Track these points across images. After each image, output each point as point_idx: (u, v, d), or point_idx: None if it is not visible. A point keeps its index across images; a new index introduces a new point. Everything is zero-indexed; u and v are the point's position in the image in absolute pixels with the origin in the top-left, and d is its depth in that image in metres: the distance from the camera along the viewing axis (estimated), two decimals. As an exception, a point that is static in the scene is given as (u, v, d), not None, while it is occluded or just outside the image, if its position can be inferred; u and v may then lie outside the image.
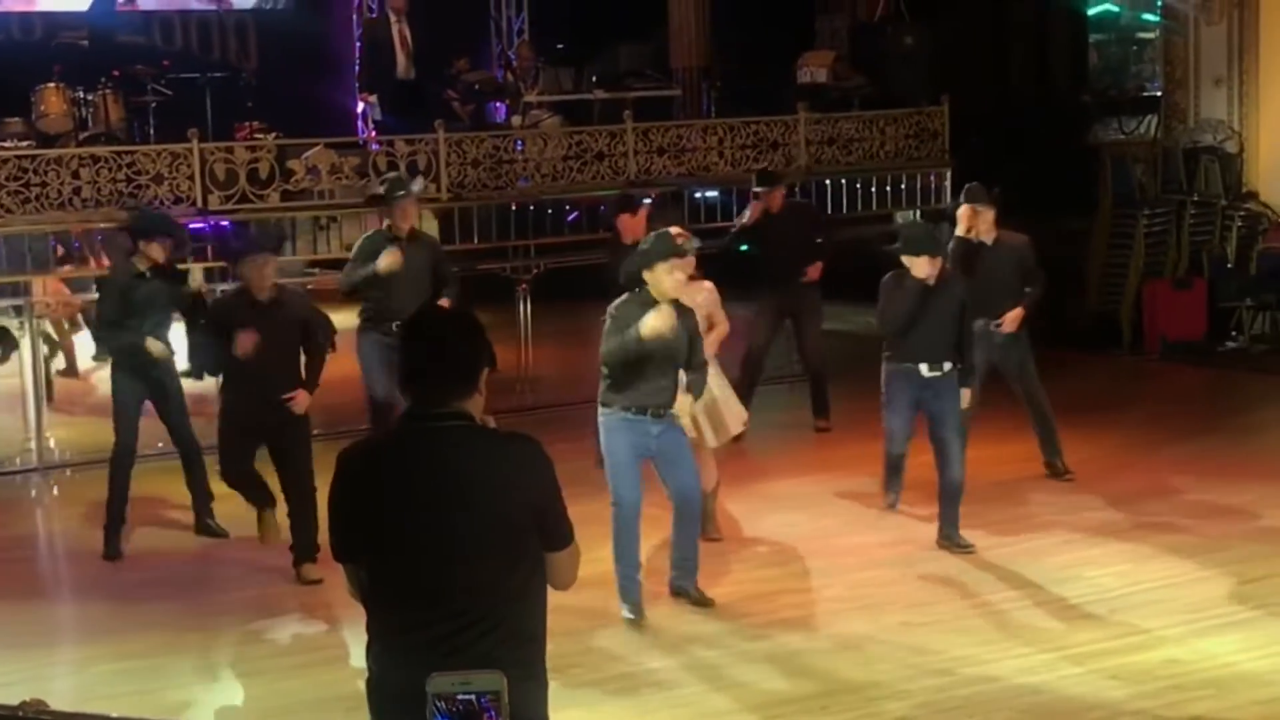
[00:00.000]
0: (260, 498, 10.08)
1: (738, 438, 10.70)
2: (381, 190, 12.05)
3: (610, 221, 12.55)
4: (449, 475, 4.59)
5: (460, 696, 2.89)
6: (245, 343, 9.61)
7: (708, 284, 10.07)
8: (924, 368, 9.94)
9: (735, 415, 10.22)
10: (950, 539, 10.07)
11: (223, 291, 11.49)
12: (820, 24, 20.30)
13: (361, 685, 4.73)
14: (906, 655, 8.34)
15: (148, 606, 9.58)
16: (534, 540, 4.64)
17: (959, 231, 11.34)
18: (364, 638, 4.71)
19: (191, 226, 13.20)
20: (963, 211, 11.39)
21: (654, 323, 8.55)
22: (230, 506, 10.50)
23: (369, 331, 11.43)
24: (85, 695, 7.99)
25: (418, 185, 12.49)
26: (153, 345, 10.47)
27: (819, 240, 13.71)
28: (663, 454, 8.93)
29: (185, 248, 12.36)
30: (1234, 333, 16.88)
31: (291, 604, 9.53)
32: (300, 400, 9.83)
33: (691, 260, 9.46)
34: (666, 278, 8.74)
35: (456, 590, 4.54)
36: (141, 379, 10.61)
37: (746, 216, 13.38)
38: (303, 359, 10.00)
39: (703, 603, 9.12)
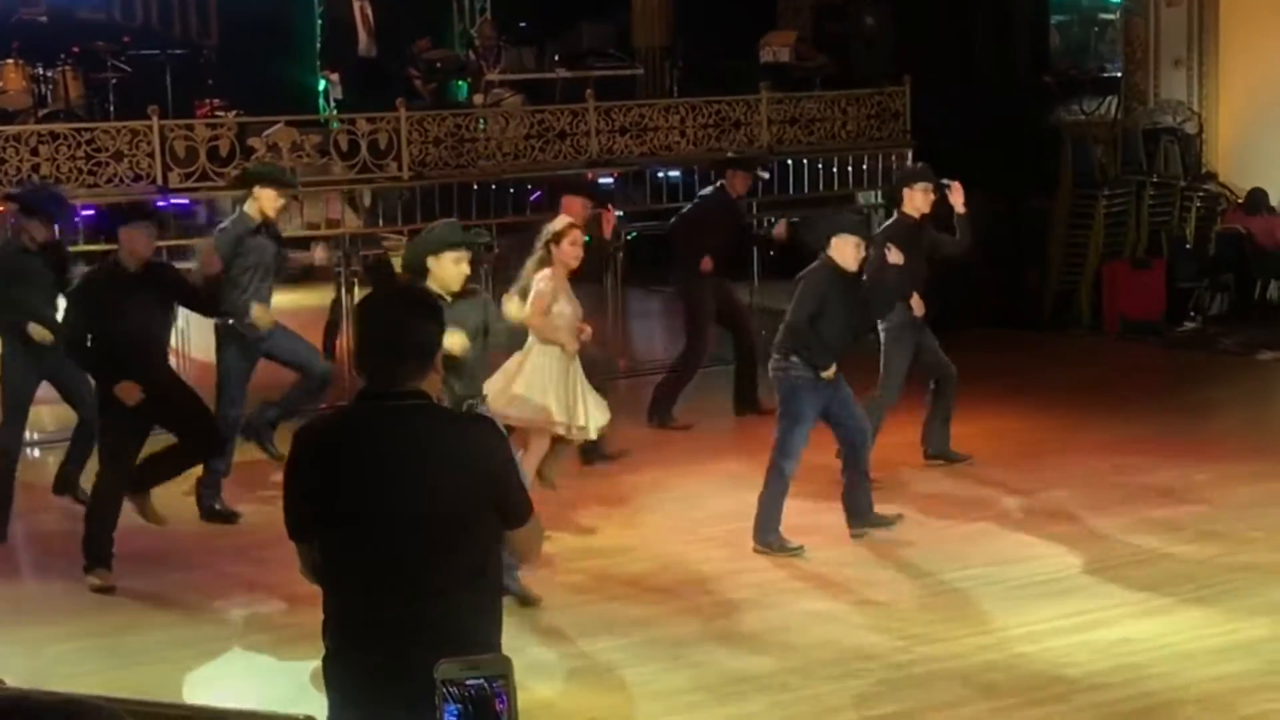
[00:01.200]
0: (103, 541, 9.51)
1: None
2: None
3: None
4: (405, 454, 4.61)
5: (469, 682, 2.89)
6: (129, 393, 9.26)
7: (546, 273, 9.82)
8: (833, 370, 9.62)
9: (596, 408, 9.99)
10: (875, 520, 10.01)
11: (89, 267, 10.70)
12: (783, 4, 20.33)
13: (319, 663, 4.75)
14: (864, 634, 8.39)
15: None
16: (489, 518, 4.66)
17: (911, 210, 11.07)
18: (319, 615, 4.73)
19: (85, 212, 13.04)
20: (920, 190, 11.11)
21: (450, 343, 8.31)
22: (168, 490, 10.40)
23: (229, 335, 10.73)
24: (43, 675, 7.97)
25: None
26: (34, 330, 10.20)
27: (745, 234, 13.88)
28: None
29: (64, 226, 11.95)
30: (1192, 313, 16.99)
31: (249, 583, 9.53)
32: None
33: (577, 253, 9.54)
34: (452, 267, 8.44)
35: (412, 569, 4.56)
36: (35, 359, 10.33)
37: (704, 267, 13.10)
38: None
39: (526, 601, 8.72)
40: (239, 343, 10.61)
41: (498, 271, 13.72)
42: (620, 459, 11.61)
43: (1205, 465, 11.42)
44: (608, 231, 12.88)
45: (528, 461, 9.80)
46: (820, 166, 16.52)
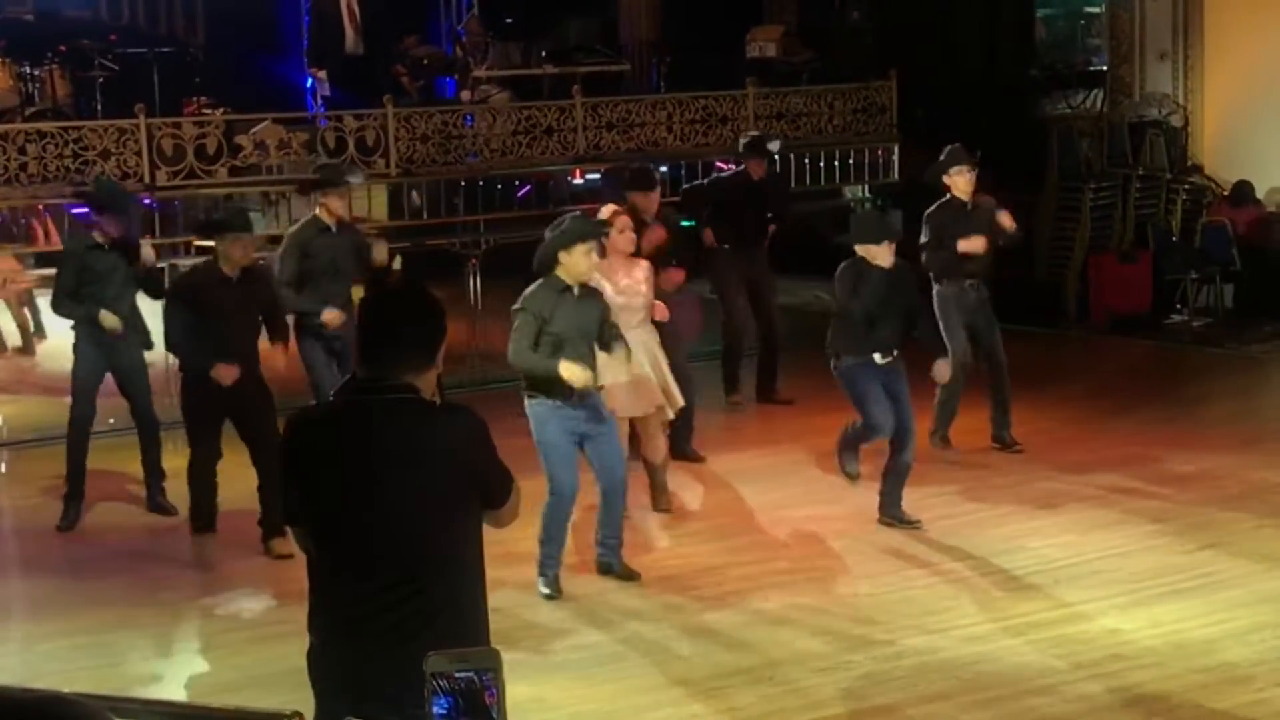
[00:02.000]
0: (205, 514, 9.94)
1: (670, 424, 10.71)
2: (317, 175, 11.48)
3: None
4: (386, 447, 4.63)
5: (459, 674, 2.90)
6: (226, 375, 9.63)
7: (644, 263, 10.08)
8: (877, 357, 9.82)
9: (672, 393, 10.19)
10: (897, 517, 10.07)
11: (190, 267, 11.14)
12: (769, -1, 20.36)
13: (305, 657, 4.77)
14: (852, 626, 8.41)
15: (98, 583, 9.58)
16: (471, 512, 4.69)
17: (959, 194, 11.33)
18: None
19: (74, 210, 13.09)
20: (960, 174, 11.33)
21: (574, 376, 8.50)
22: (183, 484, 10.45)
23: (305, 330, 10.84)
24: (35, 672, 7.99)
25: (358, 177, 12.30)
26: (106, 318, 10.35)
27: (772, 213, 13.74)
28: (590, 435, 8.88)
29: (136, 226, 12.19)
30: (1179, 305, 17.01)
31: (241, 579, 9.54)
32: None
33: (629, 239, 9.62)
34: (584, 260, 8.70)
35: (394, 562, 4.58)
36: (103, 352, 10.51)
37: (706, 239, 13.23)
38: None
39: (629, 577, 9.15)
40: (314, 339, 10.76)
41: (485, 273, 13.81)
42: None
43: (1193, 457, 11.45)
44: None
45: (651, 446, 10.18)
46: (807, 161, 16.55)
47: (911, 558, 9.53)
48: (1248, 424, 12.85)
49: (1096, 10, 20.07)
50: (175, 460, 10.60)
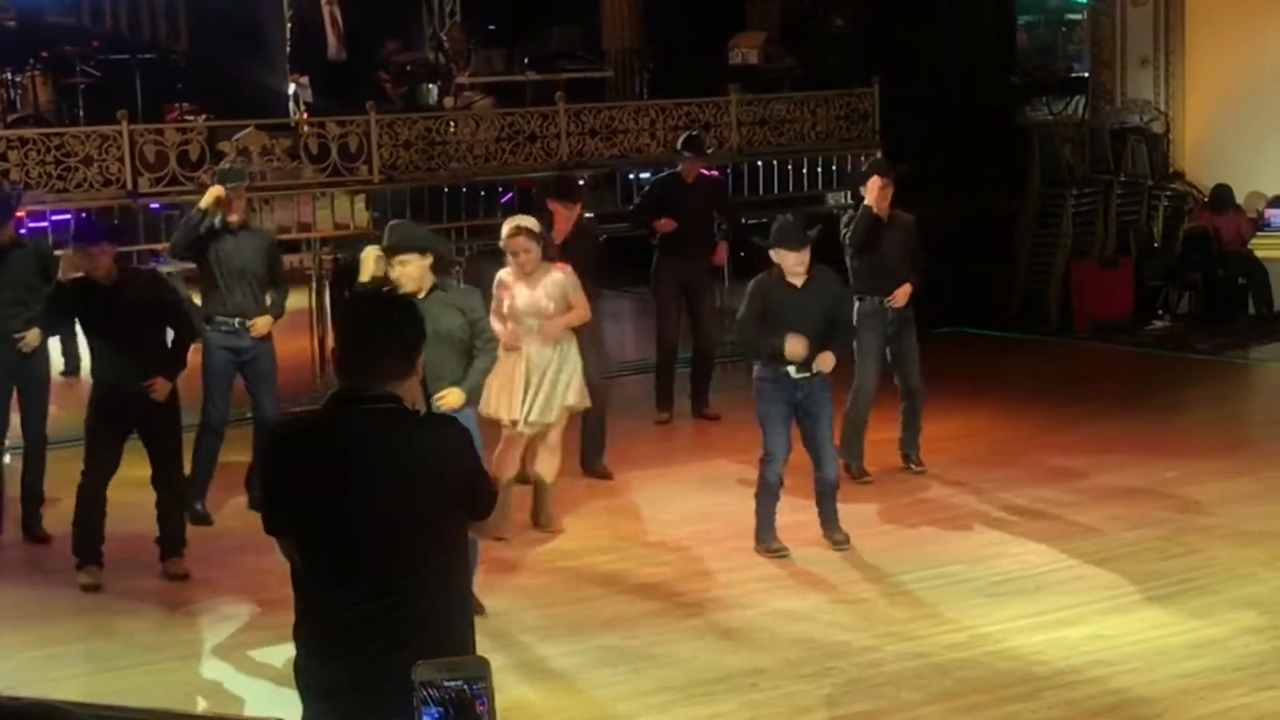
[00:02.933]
0: (90, 546, 9.58)
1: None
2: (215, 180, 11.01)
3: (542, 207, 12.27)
4: (370, 458, 4.63)
5: (448, 684, 2.90)
6: (159, 388, 9.39)
7: (561, 268, 9.99)
8: (792, 370, 9.49)
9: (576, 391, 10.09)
10: (834, 538, 9.88)
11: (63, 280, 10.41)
12: (751, 6, 20.39)
13: (288, 665, 4.78)
14: (834, 632, 8.43)
15: (77, 591, 9.54)
16: (455, 519, 4.70)
17: (871, 204, 10.98)
18: (291, 617, 4.76)
19: (55, 217, 13.00)
20: (876, 184, 10.98)
21: (451, 402, 8.30)
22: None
23: (210, 333, 10.60)
24: (16, 681, 7.96)
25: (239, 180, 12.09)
26: (31, 338, 10.18)
27: (722, 223, 13.71)
28: None
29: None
30: (1160, 311, 17.07)
31: (219, 586, 9.52)
32: (158, 388, 9.39)
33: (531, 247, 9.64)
34: (418, 272, 8.41)
35: (379, 572, 4.59)
36: (10, 360, 10.28)
37: (660, 224, 13.12)
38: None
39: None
40: (217, 345, 10.62)
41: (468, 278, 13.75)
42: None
43: (1174, 463, 11.48)
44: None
45: (541, 459, 10.02)
46: (790, 168, 16.58)
47: (891, 564, 9.54)
48: (1227, 429, 12.90)
49: (1078, 17, 20.16)
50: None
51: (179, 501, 9.70)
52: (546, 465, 10.21)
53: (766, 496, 9.77)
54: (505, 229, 9.96)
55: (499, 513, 4.95)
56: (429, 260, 8.46)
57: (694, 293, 13.26)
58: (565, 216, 11.10)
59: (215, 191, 10.46)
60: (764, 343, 9.50)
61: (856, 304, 10.71)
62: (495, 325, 9.60)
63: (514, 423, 9.86)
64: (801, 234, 9.67)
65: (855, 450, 11.21)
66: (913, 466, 11.39)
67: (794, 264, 9.53)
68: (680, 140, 13.66)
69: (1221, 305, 16.95)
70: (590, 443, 11.40)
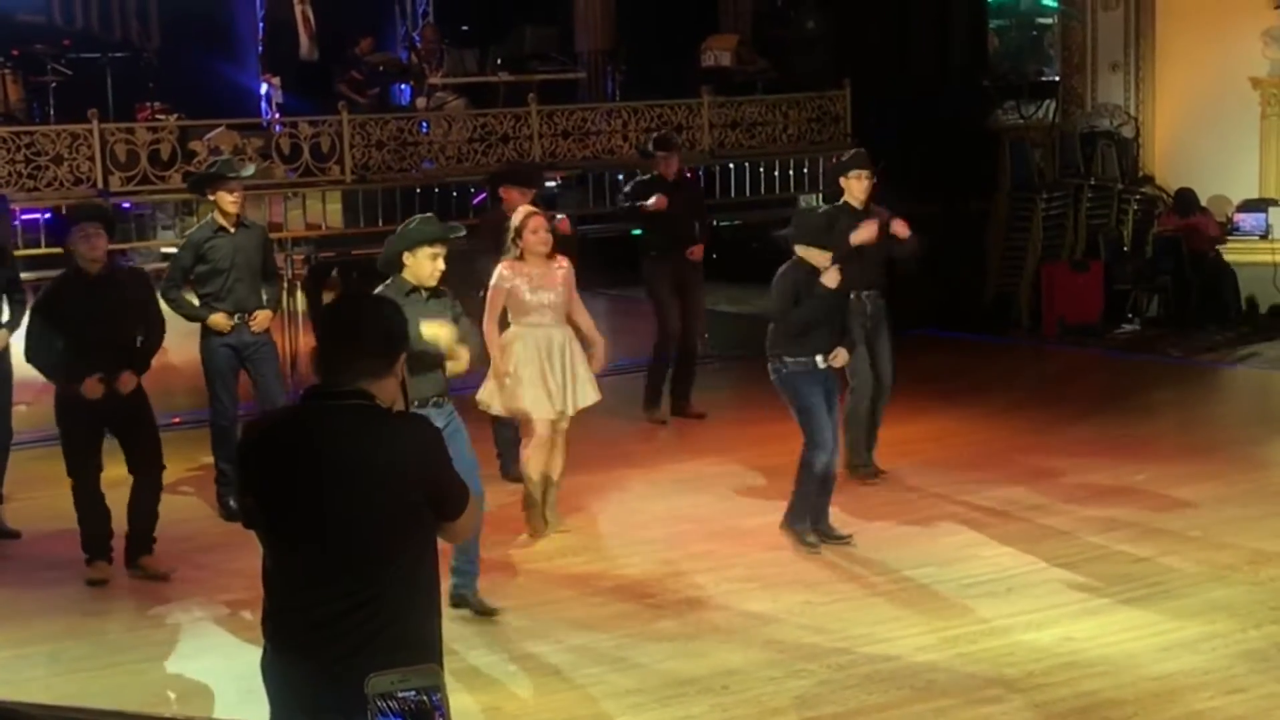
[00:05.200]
0: (98, 543, 9.64)
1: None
2: (211, 171, 11.04)
3: (494, 194, 12.09)
4: (339, 455, 4.61)
5: (402, 694, 2.88)
6: (92, 390, 9.35)
7: (565, 262, 10.06)
8: (819, 359, 9.70)
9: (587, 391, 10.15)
10: (825, 532, 9.95)
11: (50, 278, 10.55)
12: (724, 7, 20.41)
13: (258, 666, 4.76)
14: (806, 634, 8.43)
15: (46, 591, 9.52)
16: (424, 518, 4.68)
17: (853, 200, 10.96)
18: (259, 618, 4.76)
19: (25, 216, 12.96)
20: (858, 178, 10.99)
21: (432, 332, 8.28)
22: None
23: (209, 337, 10.68)
24: (-15, 681, 7.95)
25: (249, 170, 12.09)
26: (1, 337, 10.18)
27: (700, 220, 13.71)
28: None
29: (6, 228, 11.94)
30: (1129, 315, 17.14)
31: (190, 587, 9.50)
32: (124, 381, 9.40)
33: (547, 238, 9.66)
34: (428, 263, 8.51)
35: (346, 570, 4.57)
36: None
37: (651, 202, 13.10)
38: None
39: (486, 611, 8.77)
40: (215, 344, 10.65)
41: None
42: None
43: (1143, 466, 11.53)
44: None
45: (526, 451, 9.94)
46: (762, 170, 16.61)
47: (865, 566, 9.56)
48: (1196, 433, 12.95)
49: (1049, 21, 20.21)
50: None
51: (155, 497, 9.66)
52: (559, 463, 10.21)
53: (809, 485, 9.83)
54: (517, 216, 9.96)
55: (472, 517, 4.91)
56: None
57: (685, 290, 13.31)
58: (523, 201, 11.13)
59: (222, 325, 10.51)
60: (800, 329, 9.59)
61: None
62: (489, 329, 9.64)
63: (560, 414, 9.96)
64: (831, 229, 9.90)
65: (862, 448, 11.25)
66: (862, 468, 11.36)
67: (822, 259, 9.63)
68: (651, 141, 13.62)
69: (1190, 309, 17.02)
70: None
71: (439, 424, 8.36)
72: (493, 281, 9.89)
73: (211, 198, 10.68)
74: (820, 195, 16.78)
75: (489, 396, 9.95)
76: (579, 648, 8.36)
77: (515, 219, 9.98)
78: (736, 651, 8.22)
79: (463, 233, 8.84)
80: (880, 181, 11.11)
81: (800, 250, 9.72)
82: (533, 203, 11.01)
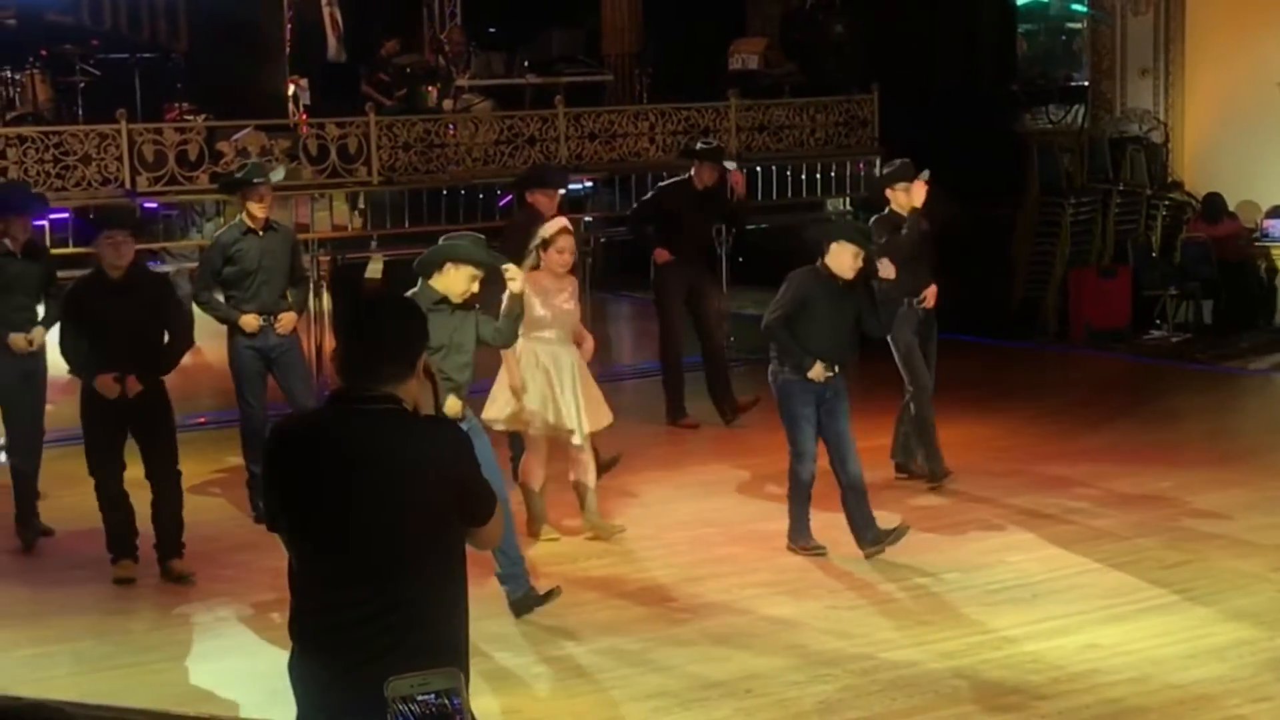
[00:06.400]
0: (124, 541, 9.66)
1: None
2: (238, 175, 10.98)
3: (521, 198, 12.16)
4: (367, 459, 4.60)
5: (422, 697, 2.88)
6: (106, 387, 9.40)
7: (572, 280, 10.07)
8: (818, 368, 9.54)
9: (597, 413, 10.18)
10: (876, 538, 9.79)
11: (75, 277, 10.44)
12: (752, 11, 20.41)
13: (284, 667, 4.76)
14: (829, 639, 8.41)
15: (71, 590, 9.54)
16: (451, 523, 4.66)
17: (902, 208, 10.90)
18: (285, 618, 4.75)
19: (53, 216, 13.00)
20: (905, 190, 10.93)
21: (452, 409, 8.31)
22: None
23: (235, 338, 10.67)
24: (9, 679, 7.94)
25: (279, 174, 12.11)
26: (15, 341, 10.19)
27: (734, 227, 13.83)
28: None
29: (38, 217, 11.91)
30: (1158, 321, 17.07)
31: (215, 587, 9.51)
32: (130, 384, 9.41)
33: (570, 260, 9.74)
34: (465, 282, 8.51)
35: (373, 573, 4.56)
36: (11, 361, 10.29)
37: (659, 256, 13.12)
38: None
39: (547, 598, 8.82)
40: (243, 346, 10.65)
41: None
42: (612, 467, 11.51)
43: (1170, 473, 11.48)
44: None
45: (527, 465, 9.95)
46: (789, 173, 16.58)
47: (889, 571, 9.53)
48: (1224, 440, 12.89)
49: (1078, 26, 20.13)
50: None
51: (177, 500, 9.67)
52: (588, 470, 10.21)
53: (800, 496, 9.80)
54: (552, 228, 9.96)
55: (500, 524, 4.89)
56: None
57: (699, 296, 13.30)
58: (550, 204, 11.18)
59: (252, 326, 10.54)
60: (794, 351, 9.54)
61: None
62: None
63: (569, 431, 9.94)
64: (867, 230, 9.87)
65: (933, 451, 11.22)
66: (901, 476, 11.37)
67: (855, 260, 9.55)
68: (698, 145, 13.64)
69: (1219, 315, 16.94)
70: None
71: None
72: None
73: (242, 202, 10.69)
74: (847, 199, 16.78)
75: (496, 412, 9.90)
76: (602, 650, 8.35)
77: (546, 230, 9.96)
78: (759, 656, 8.20)
79: (505, 265, 8.85)
80: (930, 191, 11.02)
81: (835, 246, 9.59)
82: (559, 206, 11.10)
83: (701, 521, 10.64)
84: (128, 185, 13.54)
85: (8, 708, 2.32)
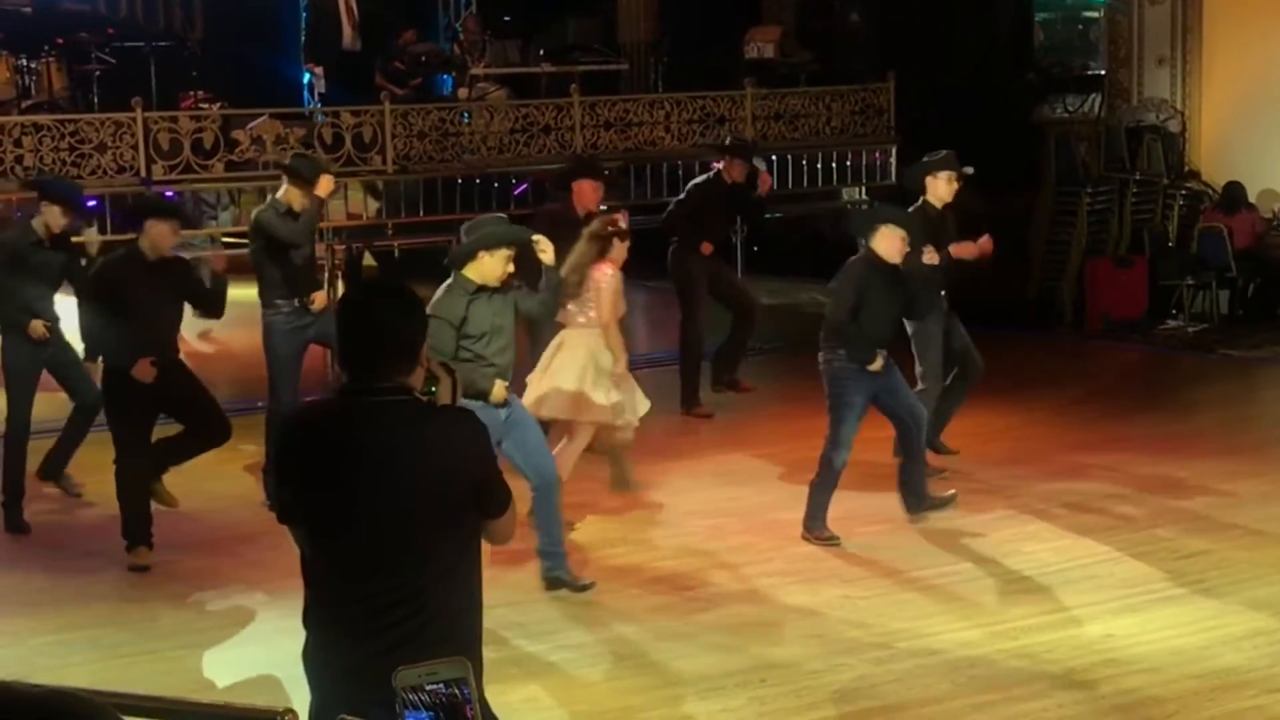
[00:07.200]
0: (141, 528, 9.71)
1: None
2: (288, 163, 11.12)
3: (564, 185, 12.25)
4: (383, 449, 4.59)
5: (431, 687, 2.86)
6: (145, 373, 9.47)
7: (610, 269, 10.05)
8: (879, 360, 9.66)
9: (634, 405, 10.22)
10: (931, 503, 10.14)
11: (104, 259, 10.54)
12: (767, 0, 20.34)
13: (299, 656, 4.75)
14: (845, 629, 8.40)
15: (88, 577, 9.56)
16: (467, 514, 4.65)
17: (935, 199, 10.95)
18: (300, 606, 4.74)
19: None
20: (944, 179, 10.98)
21: (500, 394, 8.55)
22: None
23: (275, 325, 10.73)
24: (27, 666, 7.96)
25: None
26: (34, 328, 10.25)
27: (750, 219, 13.98)
28: (513, 436, 8.74)
29: (81, 219, 12.08)
30: (1174, 311, 17.02)
31: (231, 575, 9.52)
32: (143, 370, 9.48)
33: (624, 249, 9.70)
34: (501, 265, 8.57)
35: (388, 564, 4.55)
36: (35, 350, 10.37)
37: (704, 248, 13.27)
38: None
39: (581, 588, 8.96)
40: (280, 327, 10.73)
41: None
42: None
43: (1187, 463, 11.45)
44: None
45: (567, 452, 9.94)
46: (805, 162, 16.55)
47: (904, 561, 9.52)
48: (1241, 430, 12.86)
49: (1095, 15, 20.08)
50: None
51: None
52: (625, 432, 10.28)
53: (827, 485, 9.85)
54: (623, 220, 10.14)
55: (514, 518, 4.88)
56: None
57: (721, 276, 13.56)
58: (595, 193, 11.26)
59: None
60: (862, 344, 9.62)
61: None
62: (613, 327, 9.89)
63: (626, 422, 10.08)
64: (910, 215, 10.04)
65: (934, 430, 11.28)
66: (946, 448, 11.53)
67: (904, 244, 9.67)
68: (728, 140, 13.73)
69: (1236, 305, 16.89)
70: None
71: (501, 416, 8.51)
72: (606, 284, 9.88)
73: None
74: (863, 189, 16.75)
75: (536, 404, 9.88)
76: (618, 639, 8.35)
77: (623, 222, 10.09)
78: (775, 645, 8.19)
79: (536, 237, 8.94)
80: (965, 186, 11.04)
81: (883, 230, 9.66)
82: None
83: (717, 511, 10.63)
84: (143, 174, 13.54)
85: (26, 695, 2.31)
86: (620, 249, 9.96)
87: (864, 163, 16.83)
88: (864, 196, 16.91)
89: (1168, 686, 7.55)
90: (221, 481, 11.04)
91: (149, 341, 9.53)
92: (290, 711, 3.84)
